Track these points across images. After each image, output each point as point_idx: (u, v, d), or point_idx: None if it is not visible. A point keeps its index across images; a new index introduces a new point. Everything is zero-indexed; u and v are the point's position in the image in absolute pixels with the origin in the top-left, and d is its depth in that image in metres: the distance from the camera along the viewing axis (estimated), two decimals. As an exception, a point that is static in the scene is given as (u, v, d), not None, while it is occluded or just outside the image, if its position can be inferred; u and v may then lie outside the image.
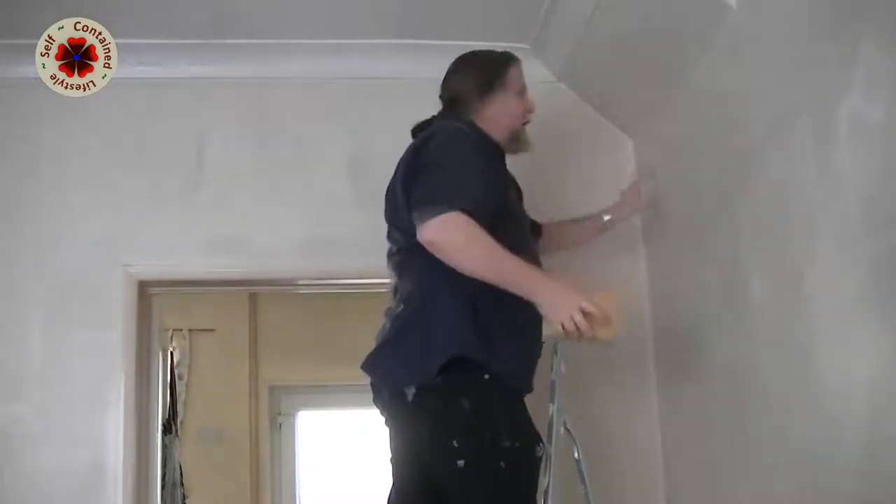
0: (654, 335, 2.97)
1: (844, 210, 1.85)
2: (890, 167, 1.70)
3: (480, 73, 2.34)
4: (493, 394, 2.00)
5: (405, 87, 3.08)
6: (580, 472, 2.30)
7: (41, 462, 2.73)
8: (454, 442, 1.94)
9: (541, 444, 2.02)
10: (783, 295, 2.12)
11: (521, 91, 2.37)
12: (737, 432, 2.38)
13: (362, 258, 2.58)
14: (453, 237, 1.98)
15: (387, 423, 2.17)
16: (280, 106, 3.09)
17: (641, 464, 2.90)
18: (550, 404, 2.22)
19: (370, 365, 2.15)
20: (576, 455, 2.30)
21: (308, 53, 3.06)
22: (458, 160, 2.09)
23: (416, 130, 2.35)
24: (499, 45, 2.87)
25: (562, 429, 2.22)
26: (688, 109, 2.68)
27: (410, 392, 2.02)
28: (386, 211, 2.26)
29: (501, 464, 1.93)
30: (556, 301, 1.98)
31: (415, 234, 2.03)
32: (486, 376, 1.99)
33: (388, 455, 2.17)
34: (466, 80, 2.34)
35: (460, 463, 1.93)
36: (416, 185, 2.07)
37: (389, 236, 2.26)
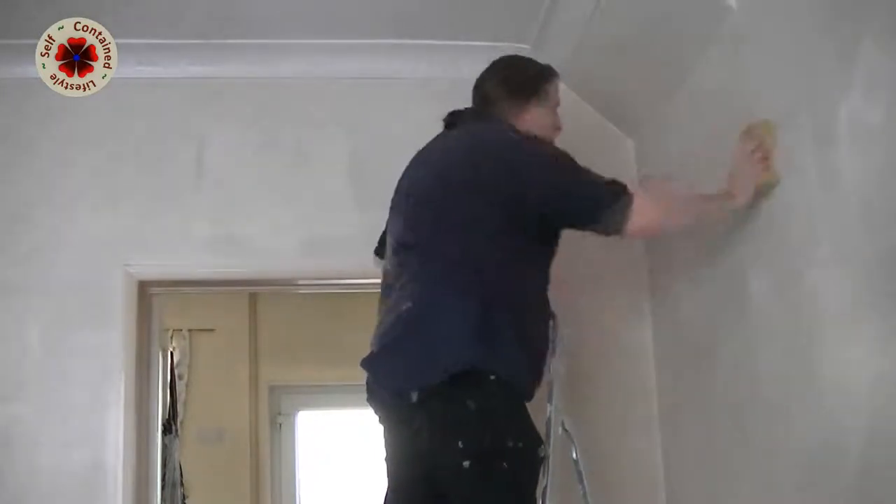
0: (654, 334, 2.97)
1: (844, 210, 1.85)
2: (890, 167, 1.70)
3: (520, 80, 2.34)
4: (497, 395, 1.98)
5: (405, 87, 3.09)
6: (578, 472, 2.30)
7: (41, 462, 2.73)
8: (459, 443, 1.93)
9: (543, 445, 2.02)
10: (783, 295, 2.12)
11: (555, 107, 2.37)
12: (736, 432, 2.38)
13: (362, 258, 2.58)
14: (654, 217, 2.10)
15: (382, 421, 2.16)
16: (280, 106, 3.09)
17: (640, 464, 2.90)
18: (548, 404, 2.21)
19: (372, 365, 2.13)
20: (574, 455, 2.30)
21: (308, 53, 3.06)
22: (570, 160, 2.13)
23: (452, 119, 2.33)
24: (499, 45, 2.87)
25: (560, 429, 2.22)
26: (688, 109, 2.68)
27: (414, 394, 2.00)
28: (409, 203, 2.20)
29: (505, 464, 1.93)
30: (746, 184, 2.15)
31: (439, 231, 2.07)
32: (492, 377, 1.98)
33: (384, 455, 2.16)
34: (505, 83, 2.33)
35: (465, 464, 1.91)
36: (556, 194, 2.08)
37: (402, 230, 2.20)
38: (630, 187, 2.07)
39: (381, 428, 2.17)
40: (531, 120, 2.29)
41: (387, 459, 2.15)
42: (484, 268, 2.04)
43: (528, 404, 2.11)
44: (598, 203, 2.06)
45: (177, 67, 3.04)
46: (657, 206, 2.09)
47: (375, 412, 2.17)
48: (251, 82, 3.08)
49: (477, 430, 1.94)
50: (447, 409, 1.96)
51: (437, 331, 2.01)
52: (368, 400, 2.17)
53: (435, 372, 1.96)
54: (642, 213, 2.04)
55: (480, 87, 2.36)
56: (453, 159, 2.16)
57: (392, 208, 2.29)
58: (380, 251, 2.41)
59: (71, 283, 2.87)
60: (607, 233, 2.09)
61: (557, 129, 2.37)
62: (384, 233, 2.36)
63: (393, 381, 2.08)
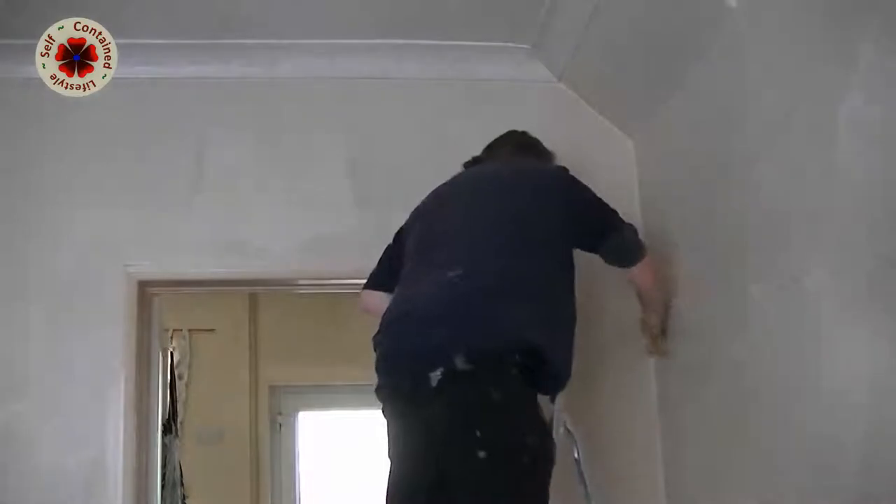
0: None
1: (844, 210, 1.85)
2: (890, 167, 1.70)
3: (528, 140, 2.63)
4: (521, 388, 1.97)
5: (405, 87, 3.09)
6: (580, 472, 2.30)
7: (41, 461, 2.73)
8: (477, 432, 1.89)
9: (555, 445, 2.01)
10: (783, 295, 2.12)
11: None
12: (737, 432, 2.38)
13: (362, 258, 2.58)
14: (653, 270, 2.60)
15: (396, 413, 2.08)
16: (280, 106, 3.09)
17: (641, 464, 2.90)
18: (550, 404, 2.21)
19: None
20: (576, 455, 2.30)
21: (308, 53, 3.06)
22: None
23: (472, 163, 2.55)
24: (499, 45, 2.87)
25: (561, 429, 2.22)
26: (688, 110, 2.68)
27: (435, 377, 1.93)
28: (492, 202, 2.28)
29: (525, 459, 1.91)
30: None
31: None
32: (515, 370, 1.95)
33: (391, 449, 2.09)
34: (512, 140, 2.61)
35: (481, 454, 1.87)
36: (593, 212, 2.38)
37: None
38: None
39: (392, 420, 2.10)
40: None
41: (393, 453, 2.08)
42: (549, 275, 2.18)
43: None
44: (618, 220, 2.39)
45: (177, 67, 3.04)
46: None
47: (390, 400, 2.09)
48: (251, 82, 3.08)
49: (497, 422, 1.91)
50: (469, 396, 1.92)
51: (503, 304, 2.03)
52: (384, 387, 2.10)
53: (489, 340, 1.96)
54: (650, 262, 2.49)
55: (489, 148, 2.59)
56: (530, 183, 2.34)
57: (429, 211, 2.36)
58: (378, 284, 2.43)
59: (71, 283, 2.86)
60: (624, 249, 2.42)
61: None
62: (381, 267, 2.41)
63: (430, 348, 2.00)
